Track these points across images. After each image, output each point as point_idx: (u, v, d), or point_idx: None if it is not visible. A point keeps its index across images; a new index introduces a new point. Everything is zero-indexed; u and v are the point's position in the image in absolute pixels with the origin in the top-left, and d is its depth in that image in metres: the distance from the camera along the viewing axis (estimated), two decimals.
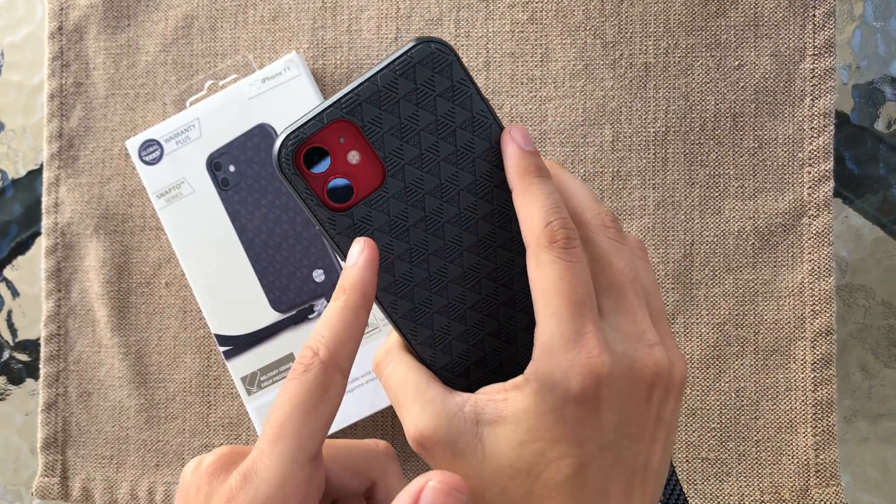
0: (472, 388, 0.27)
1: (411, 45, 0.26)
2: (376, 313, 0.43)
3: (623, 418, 0.25)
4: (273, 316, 0.44)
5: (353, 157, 0.26)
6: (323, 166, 0.26)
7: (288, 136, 0.26)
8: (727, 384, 0.45)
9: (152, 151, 0.44)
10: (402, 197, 0.26)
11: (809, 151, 0.45)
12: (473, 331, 0.28)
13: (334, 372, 0.25)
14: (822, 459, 0.44)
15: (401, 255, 0.27)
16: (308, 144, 0.26)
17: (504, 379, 0.27)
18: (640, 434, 0.26)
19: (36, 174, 0.50)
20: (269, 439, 0.24)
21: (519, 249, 0.28)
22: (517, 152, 0.27)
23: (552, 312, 0.25)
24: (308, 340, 0.26)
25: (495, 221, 0.27)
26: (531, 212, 0.26)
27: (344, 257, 0.26)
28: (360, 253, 0.26)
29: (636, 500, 0.26)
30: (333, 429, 0.43)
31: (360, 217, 0.26)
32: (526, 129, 0.28)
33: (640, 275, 0.27)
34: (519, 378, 0.26)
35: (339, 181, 0.26)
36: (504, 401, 0.25)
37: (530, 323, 0.28)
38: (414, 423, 0.26)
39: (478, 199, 0.27)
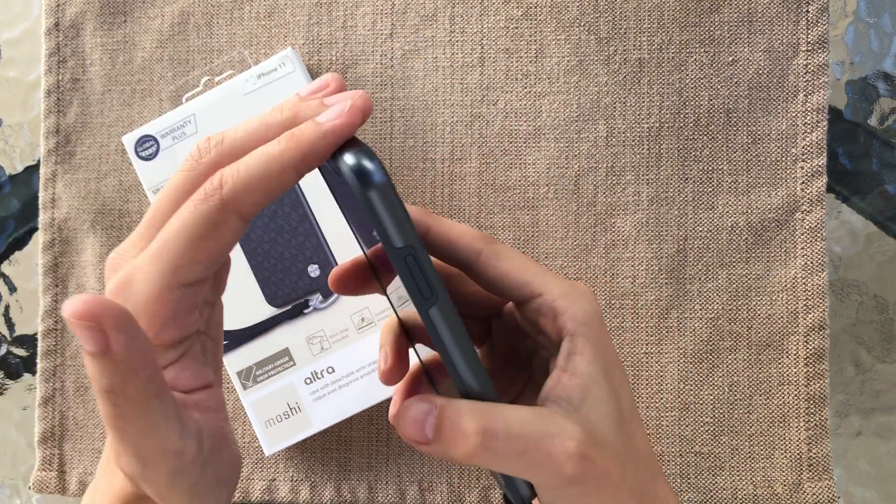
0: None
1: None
2: (372, 309, 0.44)
3: None
4: (268, 311, 0.44)
5: None
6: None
7: (373, 156, 0.23)
8: (720, 379, 0.45)
9: (148, 147, 0.45)
10: None
11: (803, 147, 0.45)
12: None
13: (230, 213, 0.23)
14: (814, 453, 0.45)
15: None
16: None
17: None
18: None
19: (33, 170, 0.50)
20: (151, 254, 0.24)
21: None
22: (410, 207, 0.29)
23: (543, 273, 0.28)
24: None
25: None
26: (460, 228, 0.28)
27: (438, 281, 0.24)
28: (346, 104, 0.24)
29: None
30: (327, 424, 0.44)
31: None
32: None
33: None
34: (563, 345, 0.27)
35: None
36: (571, 375, 0.26)
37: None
38: (568, 437, 0.25)
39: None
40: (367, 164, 0.23)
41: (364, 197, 0.22)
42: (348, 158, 0.23)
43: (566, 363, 0.27)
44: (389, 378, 0.30)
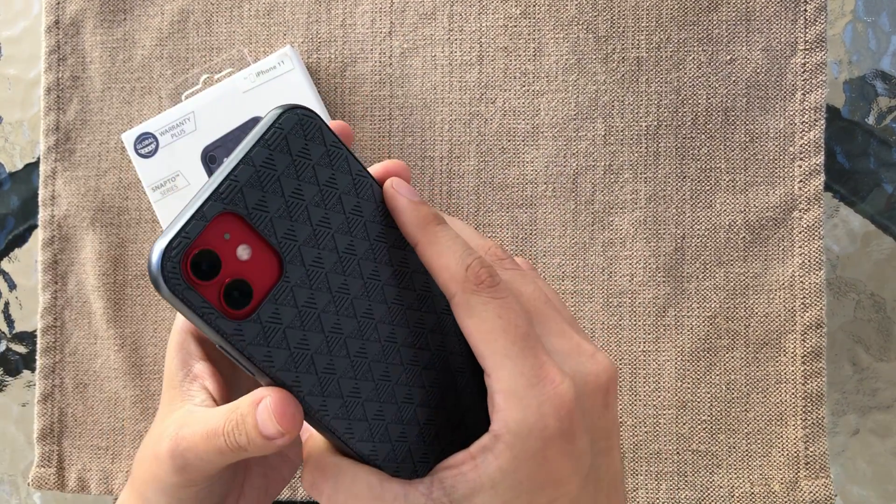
0: (417, 470, 0.25)
1: (276, 114, 0.23)
2: None
3: (593, 436, 0.25)
4: None
5: (244, 252, 0.23)
6: (213, 271, 0.22)
7: (169, 244, 0.21)
8: (718, 377, 0.45)
9: (148, 144, 0.45)
10: (306, 283, 0.23)
11: (800, 145, 0.45)
12: (405, 406, 0.26)
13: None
14: (811, 452, 0.45)
15: (318, 348, 0.24)
16: (193, 250, 0.22)
17: (445, 447, 0.26)
18: (608, 446, 0.25)
19: (33, 167, 0.50)
20: None
21: (426, 307, 0.26)
22: (409, 205, 0.25)
23: (503, 354, 0.23)
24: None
25: (398, 283, 0.25)
26: (445, 261, 0.24)
27: (260, 367, 0.23)
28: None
29: None
30: None
31: (268, 318, 0.23)
32: (405, 181, 0.26)
33: (548, 294, 0.27)
34: (485, 438, 0.24)
35: (236, 282, 0.22)
36: (474, 469, 0.23)
37: (451, 382, 0.27)
38: None
39: (378, 265, 0.25)
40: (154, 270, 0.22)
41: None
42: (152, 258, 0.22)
43: (477, 454, 0.24)
44: None
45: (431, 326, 0.26)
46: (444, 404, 0.27)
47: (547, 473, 0.23)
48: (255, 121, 0.44)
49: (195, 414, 0.27)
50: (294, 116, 0.23)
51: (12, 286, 0.51)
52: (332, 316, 0.24)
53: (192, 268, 0.22)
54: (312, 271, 0.24)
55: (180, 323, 0.30)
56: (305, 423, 0.25)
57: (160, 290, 0.22)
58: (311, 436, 0.26)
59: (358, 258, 0.25)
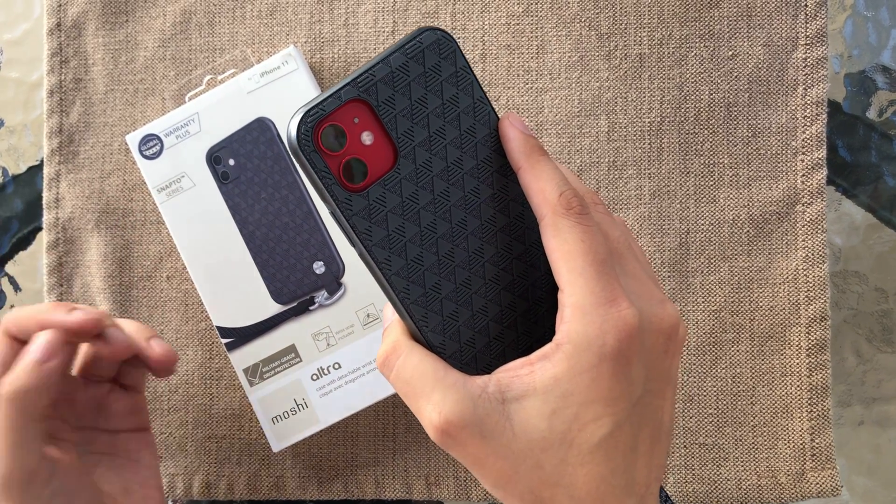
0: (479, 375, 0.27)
1: (419, 31, 0.27)
2: (377, 305, 0.44)
3: (648, 373, 0.26)
4: (274, 308, 0.44)
5: (367, 137, 0.26)
6: (338, 145, 0.26)
7: (307, 112, 0.25)
8: (724, 370, 0.46)
9: (152, 146, 0.45)
10: (413, 179, 0.27)
11: (802, 140, 0.46)
12: (478, 316, 0.28)
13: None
14: (817, 443, 0.45)
15: (412, 238, 0.27)
16: (326, 122, 0.26)
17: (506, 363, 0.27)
18: (661, 389, 0.26)
19: (36, 170, 0.50)
20: None
21: (516, 235, 0.28)
22: (520, 135, 0.28)
23: (579, 273, 0.25)
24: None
25: (494, 205, 0.28)
26: (543, 185, 0.26)
27: (359, 238, 0.26)
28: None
29: (656, 458, 0.27)
30: (334, 419, 0.44)
31: (375, 198, 0.26)
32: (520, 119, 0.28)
33: (632, 243, 0.28)
34: (547, 346, 0.26)
35: (355, 161, 0.26)
36: (530, 374, 0.25)
37: (528, 309, 0.29)
38: (437, 410, 0.26)
39: (479, 183, 0.28)
40: (291, 128, 0.25)
41: (296, 162, 0.26)
42: (290, 128, 0.25)
43: (535, 360, 0.26)
44: None
45: (517, 254, 0.29)
46: (516, 328, 0.29)
47: (598, 391, 0.25)
48: (259, 121, 0.44)
49: None
50: (433, 35, 0.27)
51: (17, 289, 0.51)
52: (430, 215, 0.27)
53: (322, 137, 0.25)
54: (421, 171, 0.27)
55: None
56: (387, 311, 0.29)
57: (292, 150, 0.25)
58: (392, 323, 0.29)
59: (463, 172, 0.27)
